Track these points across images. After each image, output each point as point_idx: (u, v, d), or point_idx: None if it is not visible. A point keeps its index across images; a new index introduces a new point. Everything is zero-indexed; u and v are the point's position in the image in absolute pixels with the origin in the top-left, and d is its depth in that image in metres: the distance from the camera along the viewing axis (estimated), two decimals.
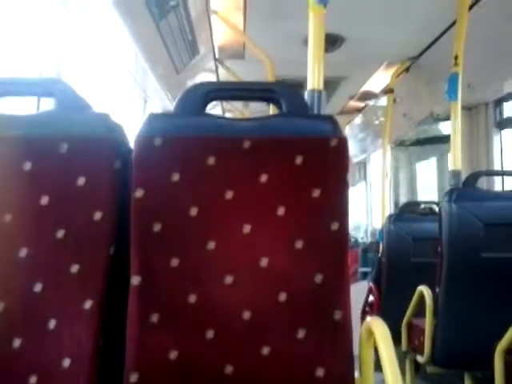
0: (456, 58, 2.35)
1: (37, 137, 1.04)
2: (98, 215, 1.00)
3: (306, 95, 1.20)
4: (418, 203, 3.68)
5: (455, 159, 2.31)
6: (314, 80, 1.19)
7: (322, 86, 1.19)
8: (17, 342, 0.96)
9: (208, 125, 1.04)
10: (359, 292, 3.12)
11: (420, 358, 2.27)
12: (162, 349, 0.95)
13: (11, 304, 0.98)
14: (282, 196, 1.01)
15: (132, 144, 1.03)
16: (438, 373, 2.22)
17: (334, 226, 0.99)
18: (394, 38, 3.01)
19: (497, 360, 1.72)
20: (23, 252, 1.00)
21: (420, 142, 4.77)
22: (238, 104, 3.82)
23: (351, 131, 5.21)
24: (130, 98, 3.53)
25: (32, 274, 0.99)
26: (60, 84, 1.09)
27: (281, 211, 1.00)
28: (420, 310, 2.33)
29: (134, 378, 0.93)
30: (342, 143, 1.02)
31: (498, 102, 3.46)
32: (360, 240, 5.84)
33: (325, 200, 1.00)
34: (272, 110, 2.49)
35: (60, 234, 1.00)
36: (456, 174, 2.29)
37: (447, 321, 2.06)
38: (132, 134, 1.06)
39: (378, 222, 4.26)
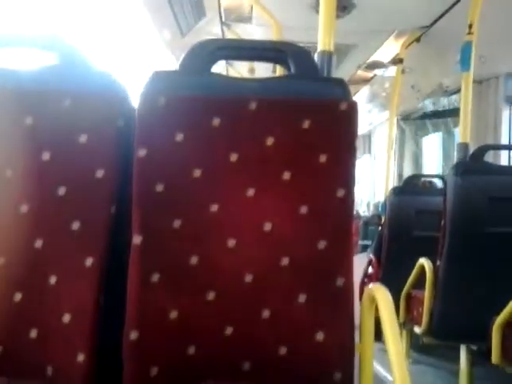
0: (470, 26, 2.29)
1: (38, 90, 1.02)
2: (99, 173, 0.98)
3: (316, 57, 1.16)
4: (422, 176, 3.66)
5: (464, 131, 2.27)
6: (324, 41, 1.15)
7: (332, 48, 1.14)
8: (18, 296, 0.96)
9: (213, 84, 1.01)
10: (359, 264, 3.13)
11: (417, 329, 2.29)
12: (162, 308, 0.95)
13: (12, 259, 0.98)
14: (287, 160, 0.98)
15: (135, 103, 1.01)
16: (434, 344, 2.24)
17: (340, 193, 0.97)
18: (406, 6, 2.93)
19: (494, 333, 1.73)
20: (24, 208, 0.99)
21: (426, 116, 4.71)
22: (243, 70, 3.76)
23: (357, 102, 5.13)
24: (133, 61, 3.47)
25: (32, 230, 0.98)
26: (62, 39, 1.06)
27: (286, 176, 0.98)
28: (419, 283, 2.34)
29: (133, 335, 0.93)
30: (352, 108, 0.99)
31: (510, 76, 3.39)
32: (362, 213, 5.84)
33: (332, 166, 0.98)
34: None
35: (61, 191, 0.99)
36: (464, 146, 2.26)
37: (446, 293, 2.07)
38: (135, 94, 1.03)
39: (381, 195, 4.24)
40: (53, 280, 0.97)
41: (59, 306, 0.96)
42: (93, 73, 1.04)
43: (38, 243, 0.98)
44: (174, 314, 0.95)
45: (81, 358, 0.93)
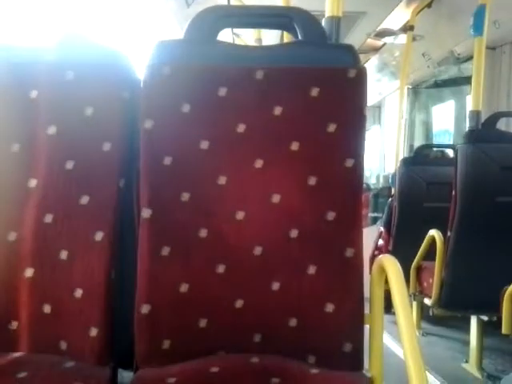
0: None
1: (41, 64, 1.00)
2: (106, 146, 0.97)
3: (324, 23, 1.12)
4: (433, 146, 3.61)
5: (476, 99, 2.22)
6: (332, 6, 1.11)
7: (340, 13, 1.11)
8: (29, 272, 0.97)
9: (219, 53, 0.99)
10: (369, 237, 3.13)
11: (427, 301, 2.29)
12: (173, 281, 0.95)
13: (23, 234, 0.98)
14: (295, 130, 0.97)
15: (141, 74, 0.99)
16: (444, 315, 2.25)
17: (349, 163, 0.96)
18: None
19: (505, 304, 1.72)
20: (33, 183, 0.98)
21: (438, 85, 4.61)
22: (250, 39, 3.69)
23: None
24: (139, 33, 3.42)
25: (42, 204, 0.98)
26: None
27: (294, 146, 0.96)
28: (429, 255, 2.34)
29: (145, 309, 0.93)
30: (361, 74, 0.96)
31: None
32: (372, 185, 5.80)
33: (340, 135, 0.96)
34: None
35: (69, 164, 0.98)
36: (476, 114, 2.21)
37: (457, 264, 2.07)
38: (141, 66, 1.02)
39: (391, 167, 4.20)
40: (64, 255, 0.97)
41: (71, 280, 0.96)
42: (95, 45, 1.03)
43: (48, 218, 0.97)
44: (184, 287, 0.95)
45: (94, 332, 0.94)
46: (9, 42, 1.04)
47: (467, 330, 2.26)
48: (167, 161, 0.95)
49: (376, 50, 4.33)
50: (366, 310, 0.97)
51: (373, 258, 3.06)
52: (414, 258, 2.51)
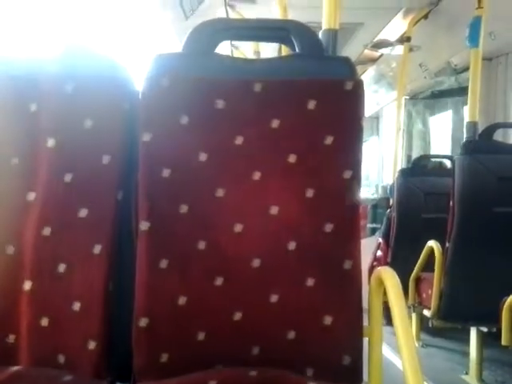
0: (480, 0, 2.23)
1: (41, 77, 1.01)
2: (106, 159, 0.98)
3: (321, 35, 1.13)
4: (431, 157, 3.61)
5: (473, 110, 2.23)
6: (329, 18, 1.12)
7: (337, 26, 1.12)
8: (28, 285, 0.96)
9: (217, 65, 1.00)
10: (367, 248, 3.12)
11: (427, 312, 2.28)
12: (171, 294, 0.94)
13: (21, 247, 0.98)
14: (293, 142, 0.97)
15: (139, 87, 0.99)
16: (443, 327, 2.24)
17: (347, 175, 0.96)
18: None
19: (504, 315, 1.72)
20: (31, 196, 0.98)
21: (435, 95, 4.64)
22: (249, 52, 3.72)
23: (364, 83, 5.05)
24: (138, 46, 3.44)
25: (40, 217, 0.98)
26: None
27: (292, 158, 0.96)
28: (428, 266, 2.33)
29: (143, 322, 0.93)
30: (358, 87, 0.97)
31: None
32: (370, 196, 5.80)
33: (338, 147, 0.96)
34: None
35: (68, 177, 0.98)
36: (472, 125, 2.22)
37: (456, 275, 2.06)
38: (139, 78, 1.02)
39: (389, 177, 4.21)
40: (62, 268, 0.96)
41: (69, 293, 0.96)
42: (95, 57, 1.03)
43: (46, 231, 0.97)
44: (182, 300, 0.94)
45: (92, 345, 0.93)
46: (8, 54, 1.04)
47: (467, 341, 2.25)
48: (165, 173, 0.95)
49: (373, 61, 4.37)
50: (365, 322, 0.97)
51: (371, 269, 3.05)
52: (413, 269, 2.51)
